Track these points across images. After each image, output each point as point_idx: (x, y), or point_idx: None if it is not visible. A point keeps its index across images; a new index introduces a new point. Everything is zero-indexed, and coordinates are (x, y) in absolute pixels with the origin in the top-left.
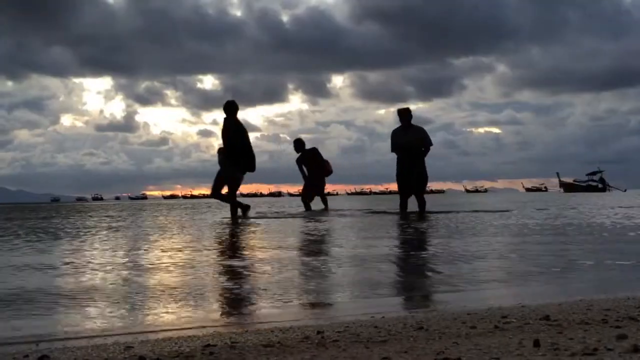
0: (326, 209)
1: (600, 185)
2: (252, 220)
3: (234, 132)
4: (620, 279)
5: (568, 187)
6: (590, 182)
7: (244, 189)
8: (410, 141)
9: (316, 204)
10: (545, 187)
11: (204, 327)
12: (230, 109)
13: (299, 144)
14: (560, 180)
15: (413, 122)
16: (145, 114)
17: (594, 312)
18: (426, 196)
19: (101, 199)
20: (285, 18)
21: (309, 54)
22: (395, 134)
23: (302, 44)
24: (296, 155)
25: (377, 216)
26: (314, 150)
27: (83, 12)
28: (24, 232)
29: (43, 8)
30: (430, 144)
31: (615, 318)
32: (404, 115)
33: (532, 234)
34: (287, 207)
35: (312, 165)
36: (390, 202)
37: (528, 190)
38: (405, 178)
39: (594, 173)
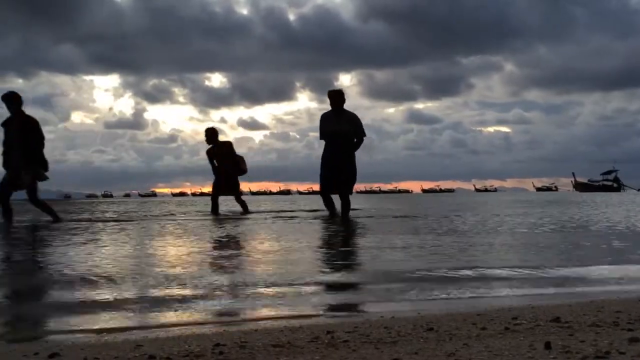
0: (245, 210)
1: (615, 185)
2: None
3: (29, 129)
4: None
5: (582, 187)
6: (604, 182)
7: (253, 187)
8: (342, 129)
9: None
10: (555, 187)
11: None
12: (15, 101)
13: (211, 134)
14: (575, 180)
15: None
16: (154, 112)
17: (605, 314)
18: (434, 196)
19: (111, 196)
20: (291, 16)
21: (315, 52)
22: (324, 119)
23: (308, 42)
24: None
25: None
26: (229, 145)
27: (91, 10)
28: None
29: (52, 6)
30: (364, 134)
31: (627, 320)
32: (336, 97)
33: None
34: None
35: (226, 160)
36: (395, 201)
37: (538, 189)
38: (332, 171)
39: (609, 172)
